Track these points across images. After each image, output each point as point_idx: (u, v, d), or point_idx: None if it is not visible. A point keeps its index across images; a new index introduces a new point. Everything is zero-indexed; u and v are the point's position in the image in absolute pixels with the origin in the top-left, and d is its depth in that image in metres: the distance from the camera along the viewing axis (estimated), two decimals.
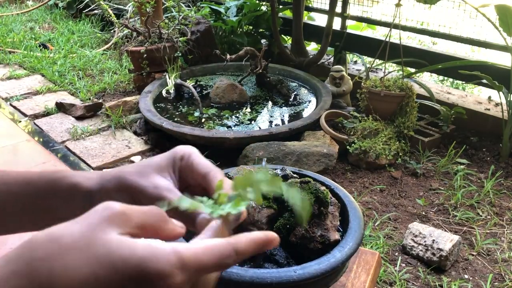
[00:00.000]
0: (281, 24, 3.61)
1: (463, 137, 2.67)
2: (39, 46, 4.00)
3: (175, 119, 2.65)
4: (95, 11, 4.45)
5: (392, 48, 2.55)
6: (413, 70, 3.01)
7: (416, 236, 1.82)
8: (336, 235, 0.73)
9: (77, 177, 0.49)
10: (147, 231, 0.36)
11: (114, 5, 4.17)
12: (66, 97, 3.14)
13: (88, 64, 3.68)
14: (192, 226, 0.44)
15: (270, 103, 2.92)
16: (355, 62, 3.63)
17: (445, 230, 1.92)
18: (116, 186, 0.48)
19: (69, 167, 2.32)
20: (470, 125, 2.72)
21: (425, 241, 1.79)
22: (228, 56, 2.86)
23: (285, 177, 0.82)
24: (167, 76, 2.94)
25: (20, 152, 2.47)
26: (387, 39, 2.58)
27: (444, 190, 2.22)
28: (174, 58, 3.02)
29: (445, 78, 3.56)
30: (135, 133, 2.70)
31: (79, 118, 2.85)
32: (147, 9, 3.01)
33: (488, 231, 1.96)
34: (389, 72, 3.01)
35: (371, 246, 1.83)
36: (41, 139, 2.60)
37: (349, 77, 2.92)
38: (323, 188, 0.77)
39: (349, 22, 3.39)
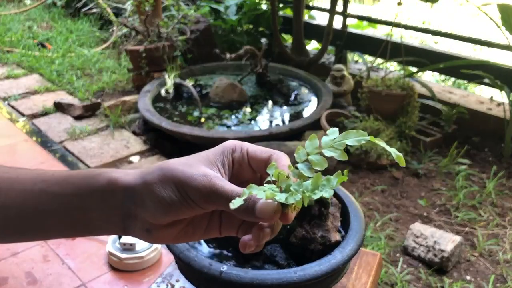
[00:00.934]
0: (282, 23, 3.59)
1: (465, 137, 2.65)
2: (37, 45, 3.98)
3: (174, 118, 2.63)
4: (94, 10, 4.44)
5: (394, 47, 2.54)
6: (414, 69, 3.00)
7: (417, 237, 1.80)
8: (337, 236, 0.72)
9: (115, 172, 0.47)
10: None
11: (113, 3, 4.15)
12: (64, 97, 3.12)
13: (87, 63, 3.66)
14: (252, 216, 0.42)
15: (270, 102, 2.90)
16: (356, 61, 3.61)
17: (447, 231, 1.90)
18: (160, 177, 0.45)
19: (67, 167, 2.30)
20: (472, 125, 2.70)
21: (426, 242, 1.77)
22: (228, 55, 2.85)
23: None
24: (166, 76, 2.92)
25: (18, 152, 2.45)
26: (389, 38, 2.56)
27: (446, 190, 2.21)
28: (173, 57, 3.00)
29: (447, 77, 3.55)
30: (134, 133, 2.68)
31: (78, 118, 2.83)
32: (146, 8, 2.99)
33: (490, 232, 1.94)
34: (390, 72, 3.00)
35: (372, 247, 1.82)
36: (39, 139, 2.58)
37: (350, 77, 2.90)
38: None
39: (350, 21, 3.37)
